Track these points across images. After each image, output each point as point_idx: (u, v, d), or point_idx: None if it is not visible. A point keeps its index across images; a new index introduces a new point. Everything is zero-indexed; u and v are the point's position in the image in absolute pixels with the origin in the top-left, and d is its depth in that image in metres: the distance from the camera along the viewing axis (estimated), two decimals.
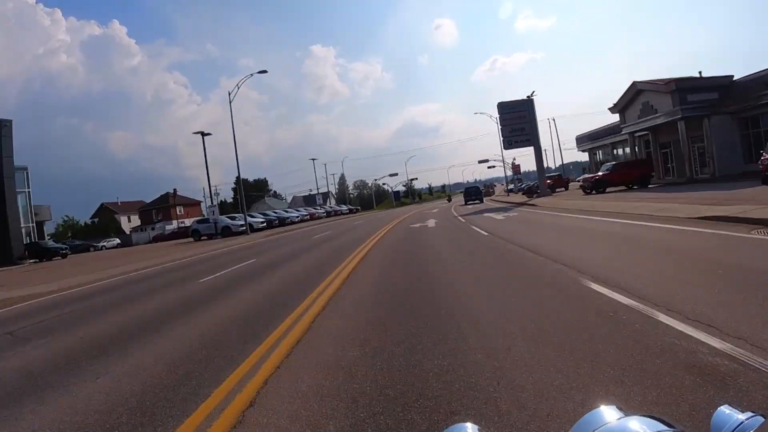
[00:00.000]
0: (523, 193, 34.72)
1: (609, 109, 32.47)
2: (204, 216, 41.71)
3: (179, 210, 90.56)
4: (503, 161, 51.15)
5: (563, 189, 38.07)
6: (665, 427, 0.50)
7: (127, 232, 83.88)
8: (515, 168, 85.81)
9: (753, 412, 0.51)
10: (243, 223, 30.04)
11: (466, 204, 37.86)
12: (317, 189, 51.85)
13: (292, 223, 38.20)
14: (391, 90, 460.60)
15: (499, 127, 30.98)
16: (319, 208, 50.71)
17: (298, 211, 43.53)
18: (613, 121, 39.21)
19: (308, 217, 42.20)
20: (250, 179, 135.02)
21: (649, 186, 26.11)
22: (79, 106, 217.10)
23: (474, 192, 41.73)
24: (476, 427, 0.66)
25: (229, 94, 28.69)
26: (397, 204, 79.90)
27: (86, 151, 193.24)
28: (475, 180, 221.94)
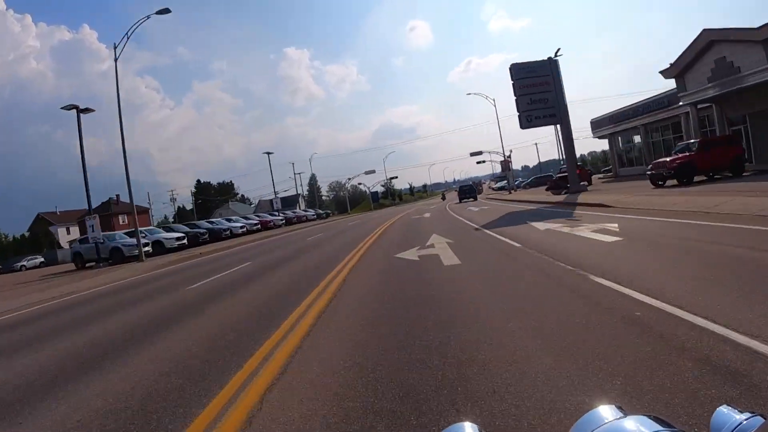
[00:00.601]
0: (548, 189, 25.38)
1: (662, 72, 23.98)
2: (158, 226, 31.90)
3: (122, 219, 78.59)
4: (504, 151, 42.37)
5: (585, 183, 29.48)
6: (664, 427, 0.50)
7: (67, 246, 71.57)
8: (505, 164, 78.06)
9: (752, 412, 0.51)
10: (147, 242, 20.19)
11: (461, 202, 36.91)
12: (275, 192, 43.03)
13: (233, 235, 28.39)
14: (368, 92, 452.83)
15: (516, 96, 21.95)
16: (276, 213, 40.82)
17: (246, 219, 33.54)
18: (623, 106, 31.22)
19: (259, 226, 32.27)
20: (214, 182, 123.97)
21: (744, 174, 17.72)
22: (50, 112, 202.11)
23: (468, 190, 41.60)
24: (476, 426, 0.66)
25: (115, 48, 18.81)
26: (375, 206, 70.64)
27: (58, 159, 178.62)
28: (455, 180, 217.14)
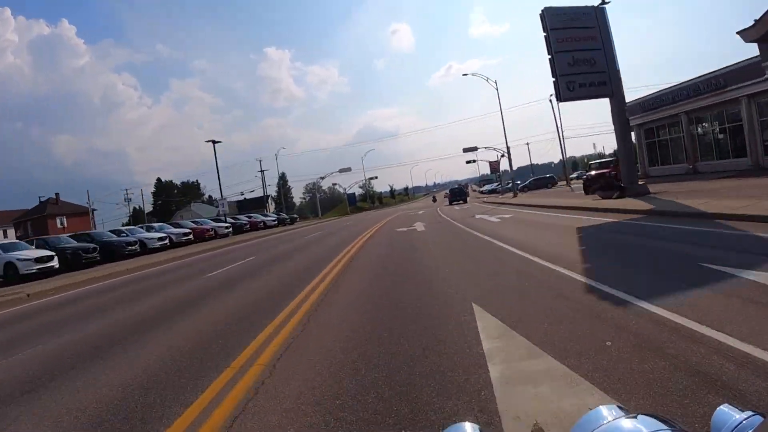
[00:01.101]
0: (593, 191, 18.08)
1: (740, 33, 17.14)
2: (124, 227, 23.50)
3: (60, 222, 68.58)
4: (507, 144, 35.59)
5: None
6: (665, 426, 0.50)
7: None
8: (494, 166, 71.63)
9: (753, 411, 0.51)
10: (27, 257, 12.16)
11: (451, 204, 37.44)
12: (221, 194, 35.47)
13: (150, 251, 20.26)
14: (348, 94, 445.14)
15: (552, 53, 14.83)
16: (224, 218, 32.71)
17: (178, 228, 25.21)
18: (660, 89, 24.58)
19: (189, 236, 24.01)
20: (176, 181, 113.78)
21: None
22: (26, 109, 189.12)
23: (458, 192, 41.72)
24: (476, 426, 0.66)
25: None
26: (352, 209, 62.96)
27: (32, 157, 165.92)
28: (435, 183, 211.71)
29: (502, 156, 37.22)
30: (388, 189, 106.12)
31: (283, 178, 65.83)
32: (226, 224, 30.25)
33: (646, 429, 0.50)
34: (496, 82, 29.99)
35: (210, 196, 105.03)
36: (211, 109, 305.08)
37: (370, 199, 72.40)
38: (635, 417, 0.53)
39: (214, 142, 30.39)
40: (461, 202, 38.54)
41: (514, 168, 79.76)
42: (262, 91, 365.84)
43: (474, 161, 51.40)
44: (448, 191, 52.27)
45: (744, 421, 0.50)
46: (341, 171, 43.40)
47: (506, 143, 31.83)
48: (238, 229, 32.35)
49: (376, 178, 62.48)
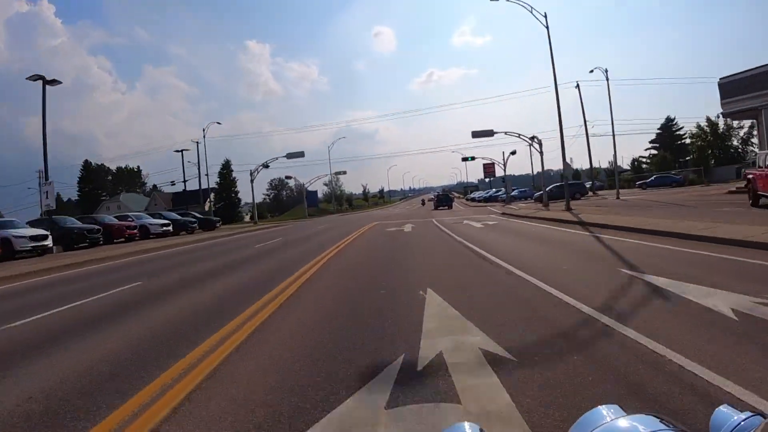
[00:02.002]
0: None
1: None
2: None
3: None
4: (560, 123, 24.13)
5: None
6: (665, 426, 0.50)
7: None
8: (488, 168, 60.75)
9: (752, 411, 0.51)
10: None
11: (436, 209, 37.22)
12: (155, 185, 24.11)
13: None
14: (328, 93, 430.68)
15: None
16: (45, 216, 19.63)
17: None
18: None
19: None
20: (112, 167, 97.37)
21: None
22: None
23: (444, 199, 41.48)
24: (476, 426, 0.66)
25: None
26: (312, 211, 50.50)
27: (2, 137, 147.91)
28: (411, 188, 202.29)
29: (532, 139, 25.77)
30: (361, 190, 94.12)
31: (226, 167, 52.44)
32: (77, 227, 17.65)
33: (645, 429, 0.50)
34: (545, 15, 18.65)
35: (155, 185, 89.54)
36: (187, 99, 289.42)
37: (336, 200, 60.27)
38: (635, 417, 0.53)
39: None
40: (446, 207, 38.55)
41: (496, 176, 69.38)
42: (239, 84, 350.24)
43: (472, 159, 40.19)
44: (433, 195, 50.48)
45: (743, 422, 0.49)
46: (289, 156, 31.22)
47: (559, 122, 20.07)
48: (118, 233, 19.89)
49: (345, 173, 50.62)
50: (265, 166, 33.75)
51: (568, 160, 21.56)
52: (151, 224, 22.96)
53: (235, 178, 53.78)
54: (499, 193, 45.33)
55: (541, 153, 25.73)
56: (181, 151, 39.06)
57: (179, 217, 26.04)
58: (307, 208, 51.20)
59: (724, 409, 0.54)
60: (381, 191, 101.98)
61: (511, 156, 38.69)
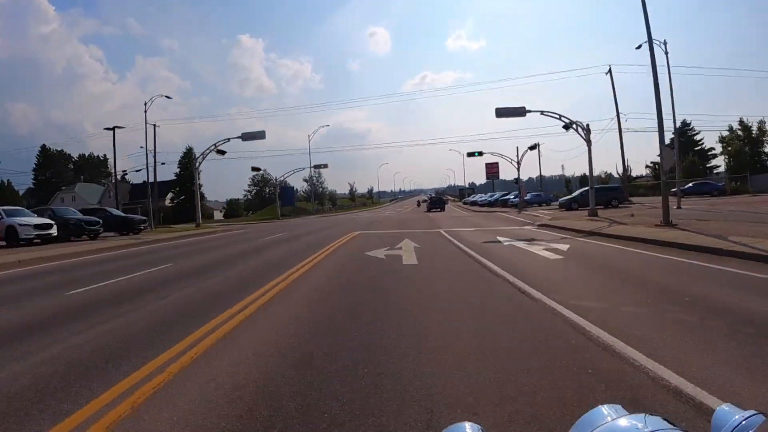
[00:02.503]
0: None
1: None
2: None
3: None
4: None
5: None
6: (666, 426, 0.50)
7: None
8: (491, 169, 53.73)
9: (754, 411, 0.51)
10: None
11: (429, 211, 37.47)
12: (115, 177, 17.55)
13: None
14: (321, 92, 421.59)
15: None
16: None
17: None
18: None
19: None
20: (74, 154, 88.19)
21: None
22: None
23: (437, 201, 40.86)
24: (477, 426, 0.65)
25: None
26: (287, 210, 42.84)
27: None
28: (401, 190, 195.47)
29: (570, 126, 18.68)
30: (349, 189, 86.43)
31: (188, 156, 44.25)
32: None
33: (647, 428, 0.50)
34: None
35: (123, 176, 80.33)
36: (179, 92, 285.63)
37: (317, 199, 52.50)
38: (636, 416, 0.52)
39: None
40: (439, 210, 37.75)
41: (500, 177, 62.57)
42: (231, 79, 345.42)
43: (480, 154, 32.92)
44: (426, 197, 49.54)
45: (744, 421, 0.49)
46: (246, 138, 23.43)
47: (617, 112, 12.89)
48: None
49: (326, 166, 42.43)
50: (220, 152, 26.04)
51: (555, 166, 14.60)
52: (21, 225, 15.34)
53: (199, 168, 45.68)
54: (509, 196, 38.28)
55: (589, 143, 18.60)
56: (113, 128, 30.98)
57: (81, 216, 18.34)
58: (283, 206, 43.44)
59: (725, 408, 0.53)
60: (370, 191, 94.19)
61: (515, 156, 31.52)
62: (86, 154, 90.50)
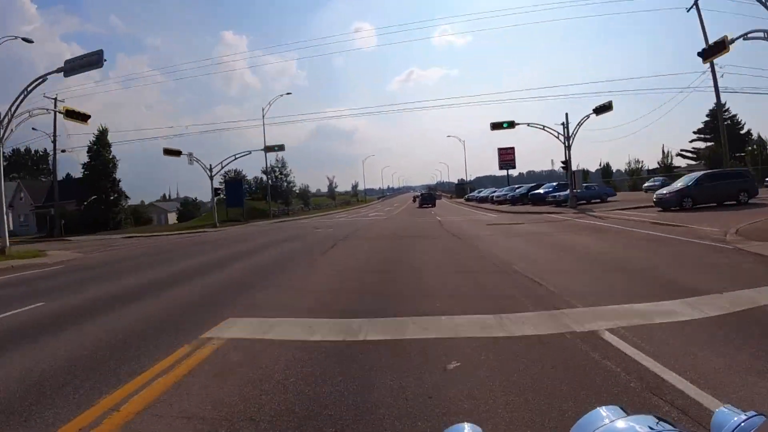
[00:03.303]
0: None
1: None
2: None
3: None
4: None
5: None
6: (665, 427, 0.50)
7: None
8: (506, 155, 42.92)
9: (754, 412, 0.50)
10: None
11: (420, 207, 38.18)
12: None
13: None
14: (306, 89, 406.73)
15: None
16: None
17: None
18: None
19: None
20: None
21: None
22: None
23: (428, 197, 41.66)
24: (477, 427, 0.64)
25: None
26: (235, 213, 31.15)
27: None
28: (388, 187, 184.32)
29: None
30: (329, 185, 74.80)
31: (101, 141, 32.03)
32: None
33: (646, 429, 0.49)
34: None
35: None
36: (163, 90, 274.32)
37: (281, 197, 40.45)
38: (635, 417, 0.52)
39: None
40: (430, 206, 37.95)
41: (515, 167, 50.92)
42: (216, 76, 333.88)
43: (510, 125, 21.70)
44: (419, 193, 50.37)
45: (743, 423, 0.48)
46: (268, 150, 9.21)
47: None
48: None
49: (282, 148, 30.41)
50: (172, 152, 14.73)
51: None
52: None
53: (115, 158, 33.68)
54: (543, 189, 27.25)
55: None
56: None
57: None
58: (231, 207, 31.65)
59: (725, 409, 0.53)
60: (355, 187, 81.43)
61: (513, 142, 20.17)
62: (23, 150, 77.20)
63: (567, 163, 22.35)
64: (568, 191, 22.31)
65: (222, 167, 28.10)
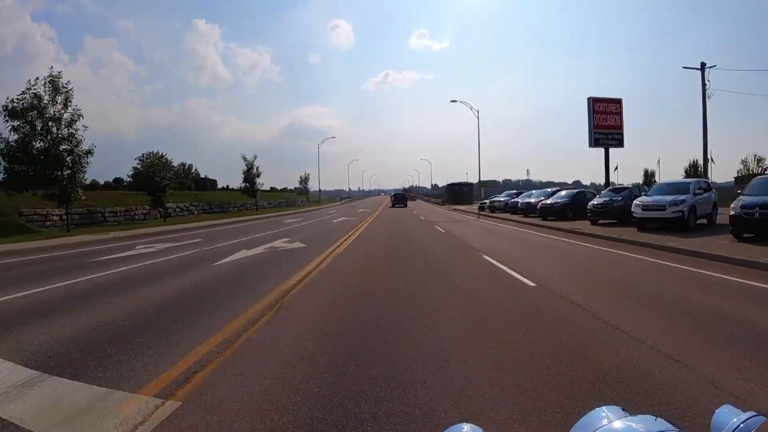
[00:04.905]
0: None
1: None
2: None
3: None
4: None
5: None
6: (667, 427, 0.50)
7: None
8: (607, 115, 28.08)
9: (755, 412, 0.50)
10: None
11: (393, 206, 42.41)
12: None
13: None
14: (280, 84, 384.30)
15: None
16: None
17: None
18: None
19: None
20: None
21: None
22: None
23: (401, 198, 46.50)
24: (477, 427, 0.64)
25: None
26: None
27: None
28: (359, 189, 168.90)
29: None
30: (300, 181, 56.89)
31: None
32: None
33: (647, 429, 0.49)
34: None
35: None
36: (132, 77, 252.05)
37: (162, 189, 22.46)
38: (636, 417, 0.52)
39: None
40: (402, 206, 41.79)
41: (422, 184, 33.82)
42: (185, 66, 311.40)
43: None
44: (392, 195, 53.96)
45: (742, 424, 0.48)
46: None
47: None
48: None
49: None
50: None
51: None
52: None
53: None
54: (616, 195, 12.40)
55: None
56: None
57: None
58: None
59: (725, 409, 0.52)
60: (304, 181, 60.16)
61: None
62: None
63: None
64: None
65: None
